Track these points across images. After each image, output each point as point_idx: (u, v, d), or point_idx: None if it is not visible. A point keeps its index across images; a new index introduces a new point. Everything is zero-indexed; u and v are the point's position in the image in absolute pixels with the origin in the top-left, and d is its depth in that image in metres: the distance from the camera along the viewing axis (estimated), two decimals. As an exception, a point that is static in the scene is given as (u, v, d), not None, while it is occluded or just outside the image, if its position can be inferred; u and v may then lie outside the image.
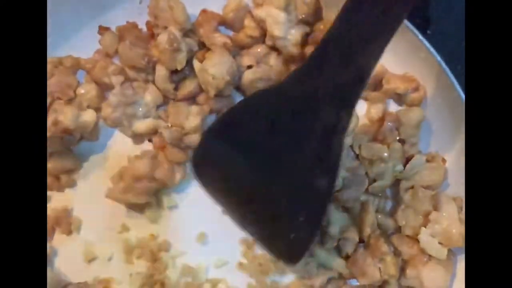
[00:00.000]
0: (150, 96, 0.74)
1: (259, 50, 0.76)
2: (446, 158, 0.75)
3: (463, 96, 0.70)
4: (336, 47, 0.55)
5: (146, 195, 0.73)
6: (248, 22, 0.76)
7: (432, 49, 0.71)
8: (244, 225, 0.65)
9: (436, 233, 0.70)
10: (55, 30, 0.75)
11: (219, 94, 0.73)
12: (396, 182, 0.75)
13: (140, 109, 0.74)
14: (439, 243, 0.70)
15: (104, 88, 0.76)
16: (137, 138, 0.77)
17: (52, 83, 0.74)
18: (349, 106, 0.56)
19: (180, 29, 0.72)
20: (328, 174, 0.58)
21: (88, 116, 0.73)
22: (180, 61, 0.72)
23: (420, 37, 0.71)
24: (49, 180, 0.75)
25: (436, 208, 0.72)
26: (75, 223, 0.75)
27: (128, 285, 0.74)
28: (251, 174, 0.61)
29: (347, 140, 0.73)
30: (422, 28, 0.75)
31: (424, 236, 0.70)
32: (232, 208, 0.65)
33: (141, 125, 0.75)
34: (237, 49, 0.76)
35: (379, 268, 0.71)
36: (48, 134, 0.70)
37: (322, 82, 0.56)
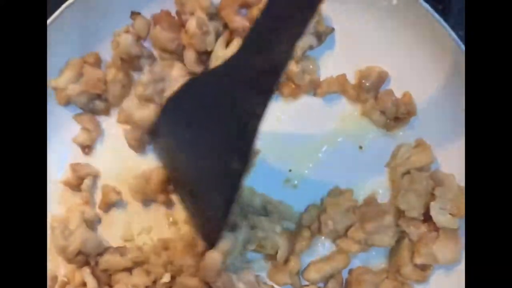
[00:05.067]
0: (176, 71, 0.78)
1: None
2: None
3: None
4: (253, 36, 0.59)
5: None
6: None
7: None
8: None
9: (445, 206, 0.73)
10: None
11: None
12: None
13: (168, 83, 0.77)
14: (450, 214, 0.73)
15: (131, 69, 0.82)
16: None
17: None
18: (266, 93, 0.58)
19: (206, 14, 0.77)
20: (242, 158, 0.61)
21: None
22: (209, 43, 0.77)
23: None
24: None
25: (438, 184, 0.75)
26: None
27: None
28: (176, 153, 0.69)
29: None
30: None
31: (435, 210, 0.73)
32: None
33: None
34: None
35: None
36: None
37: (242, 69, 0.60)
